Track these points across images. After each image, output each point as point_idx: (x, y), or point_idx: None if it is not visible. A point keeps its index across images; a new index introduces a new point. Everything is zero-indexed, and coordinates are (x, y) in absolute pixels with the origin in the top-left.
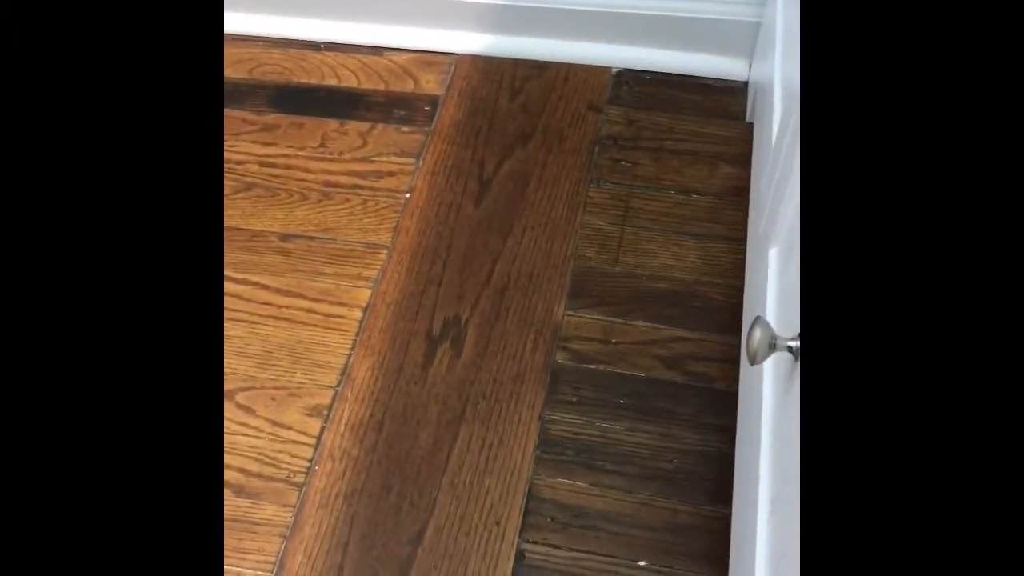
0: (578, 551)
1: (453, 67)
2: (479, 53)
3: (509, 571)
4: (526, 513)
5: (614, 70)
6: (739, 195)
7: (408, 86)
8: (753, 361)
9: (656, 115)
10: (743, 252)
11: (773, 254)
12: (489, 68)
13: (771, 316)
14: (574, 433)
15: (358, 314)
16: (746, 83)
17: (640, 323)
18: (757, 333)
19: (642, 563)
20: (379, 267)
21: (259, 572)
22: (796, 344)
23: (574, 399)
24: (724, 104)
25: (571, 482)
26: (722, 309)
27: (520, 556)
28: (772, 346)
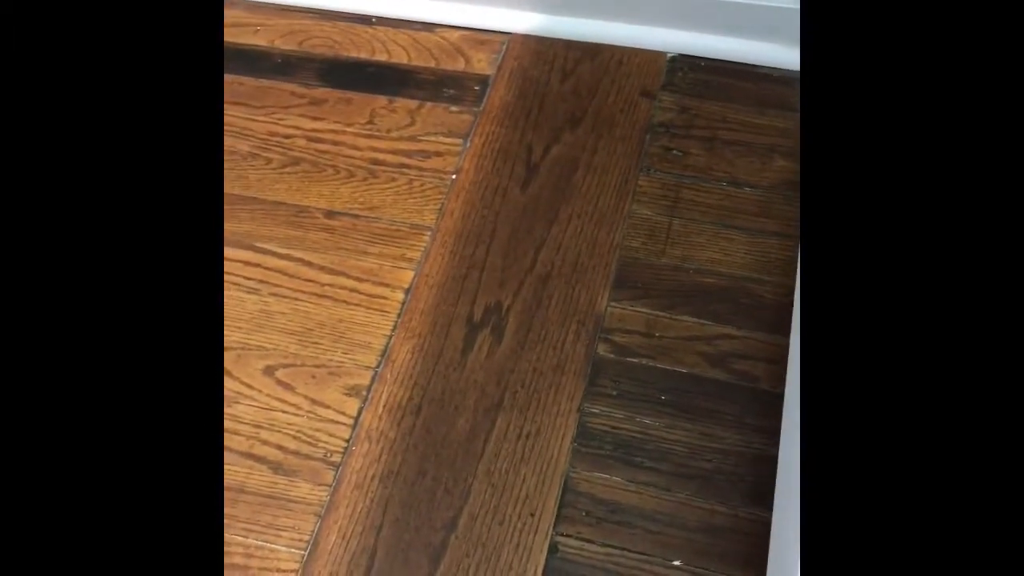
0: (612, 547)
1: (505, 46)
2: (532, 33)
3: (542, 563)
4: (561, 505)
5: (669, 55)
6: (792, 189)
7: (459, 64)
8: None
9: (710, 103)
10: (794, 249)
11: None
12: (541, 49)
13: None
14: (613, 427)
15: (400, 295)
16: None
17: (685, 318)
18: None
19: (676, 563)
20: (423, 248)
21: (293, 550)
22: None
23: (614, 393)
24: (780, 94)
25: (608, 476)
26: (770, 307)
27: (553, 548)
28: None
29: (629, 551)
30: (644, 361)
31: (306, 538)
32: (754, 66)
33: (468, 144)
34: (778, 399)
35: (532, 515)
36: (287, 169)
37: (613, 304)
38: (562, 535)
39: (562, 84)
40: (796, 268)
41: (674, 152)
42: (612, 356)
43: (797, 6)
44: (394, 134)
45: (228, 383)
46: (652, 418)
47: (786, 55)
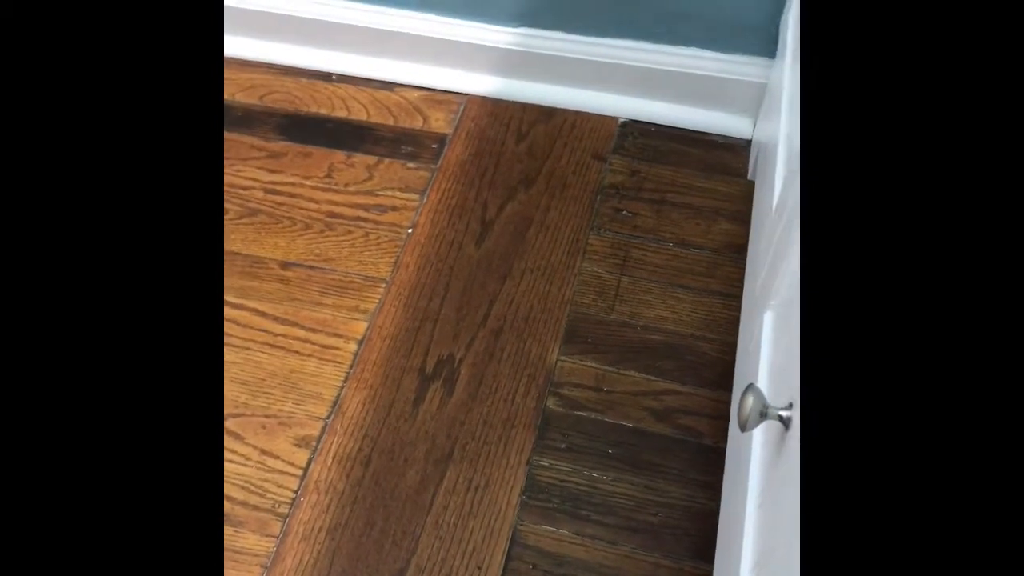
0: None
1: (462, 107)
2: (489, 95)
3: None
4: (508, 559)
5: (620, 120)
6: (737, 252)
7: (417, 123)
8: (744, 428)
9: (659, 167)
10: (738, 309)
11: (768, 318)
12: (498, 110)
13: (763, 382)
14: (561, 480)
15: (353, 346)
16: (749, 141)
17: (632, 373)
18: (749, 400)
19: None
20: (377, 300)
21: None
22: (787, 414)
23: (563, 446)
24: (726, 160)
25: (555, 530)
26: (714, 364)
27: None
28: (763, 414)
29: None
30: (593, 415)
31: None
32: (702, 133)
33: (424, 199)
34: (720, 454)
35: (479, 568)
36: (244, 220)
37: (563, 358)
38: None
39: (517, 145)
40: (739, 326)
41: (624, 213)
42: (562, 409)
43: (746, 78)
44: (352, 188)
45: None
46: (599, 471)
47: (733, 123)
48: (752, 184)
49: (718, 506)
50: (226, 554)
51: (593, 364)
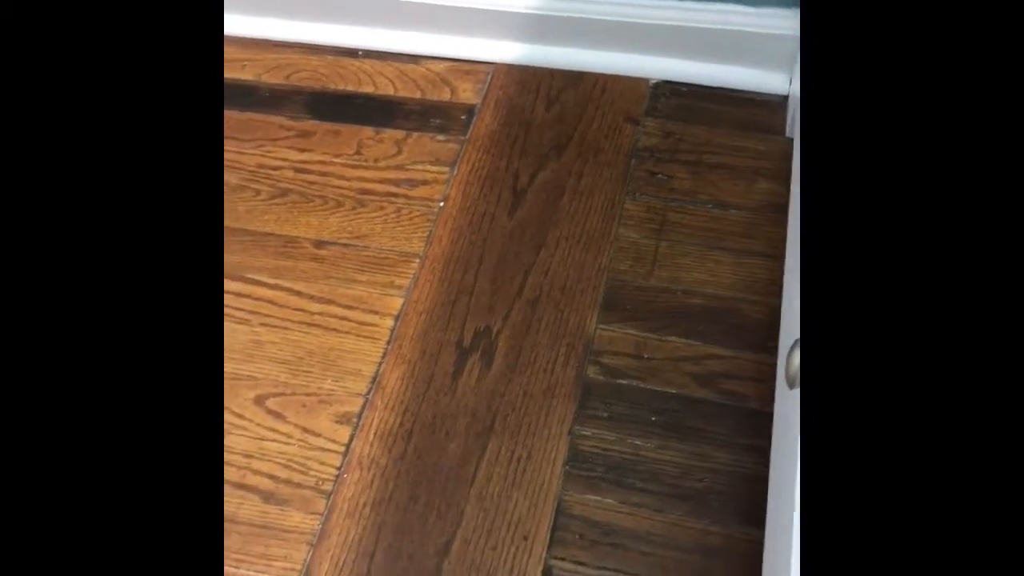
0: (606, 569)
1: (490, 76)
2: (516, 62)
3: None
4: (554, 529)
5: (651, 81)
6: (777, 211)
7: (445, 95)
8: (792, 385)
9: (694, 128)
10: (781, 270)
11: None
12: (525, 77)
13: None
14: (604, 449)
15: (390, 322)
16: (786, 97)
17: (673, 339)
18: (797, 357)
19: None
20: (411, 276)
21: None
22: None
23: (605, 414)
24: (763, 118)
25: (600, 499)
26: (758, 327)
27: (547, 572)
28: None
29: (624, 573)
30: (634, 383)
31: (298, 567)
32: (736, 91)
33: (455, 172)
34: (767, 418)
35: (525, 539)
36: (276, 200)
37: (602, 326)
38: (556, 558)
39: (547, 111)
40: (782, 288)
41: (659, 176)
42: (602, 378)
43: (777, 31)
44: (381, 164)
45: None
46: (643, 439)
47: (767, 79)
48: (791, 141)
49: (766, 470)
50: (271, 532)
51: (633, 331)
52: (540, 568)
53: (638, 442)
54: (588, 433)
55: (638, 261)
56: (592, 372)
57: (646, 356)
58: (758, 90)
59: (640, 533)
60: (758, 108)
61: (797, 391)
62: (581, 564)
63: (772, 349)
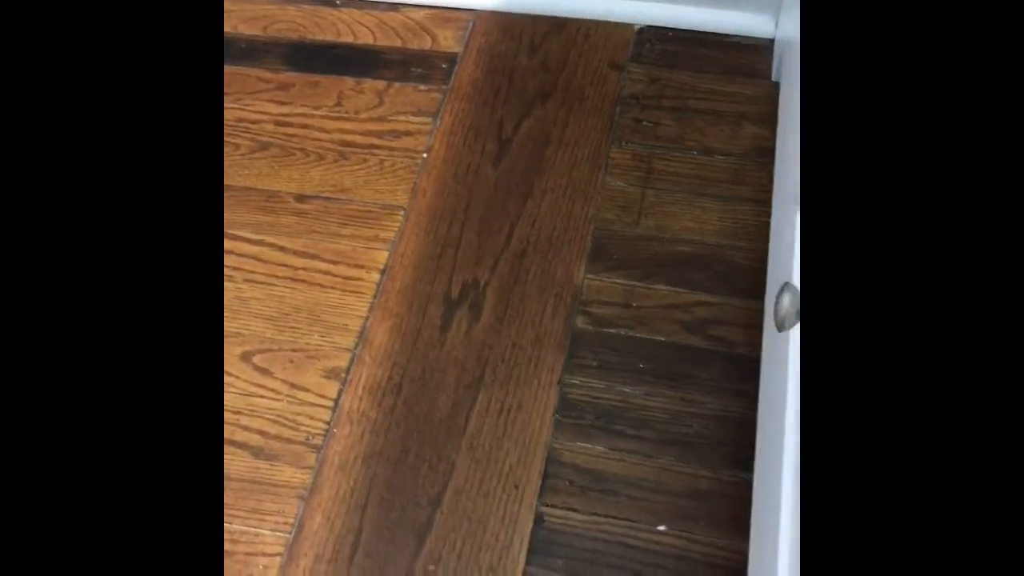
0: (597, 515)
1: (471, 24)
2: (498, 9)
3: (528, 534)
4: (545, 477)
5: (636, 27)
6: (764, 156)
7: (426, 43)
8: (781, 328)
9: (679, 73)
10: (768, 215)
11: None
12: (508, 24)
13: (799, 281)
14: (593, 397)
15: (375, 276)
16: (772, 40)
17: (661, 287)
18: (786, 299)
19: (661, 528)
20: (396, 229)
21: (278, 533)
22: None
23: (594, 363)
24: (749, 62)
25: (590, 446)
26: (745, 273)
27: (539, 519)
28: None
29: (614, 518)
30: (622, 331)
31: (291, 521)
32: (722, 35)
33: (438, 122)
34: (755, 363)
35: (516, 487)
36: (256, 155)
37: (590, 276)
38: (547, 505)
39: (530, 59)
40: (769, 233)
41: (645, 123)
42: (590, 328)
43: None
44: (363, 115)
45: None
46: (632, 387)
47: (753, 23)
48: (777, 85)
49: (755, 415)
50: (263, 487)
51: (620, 280)
52: (532, 515)
53: (627, 389)
54: (577, 382)
55: (625, 210)
56: (580, 322)
57: (634, 305)
58: (744, 34)
59: (630, 479)
60: (744, 52)
61: (786, 334)
62: (572, 510)
63: (760, 295)
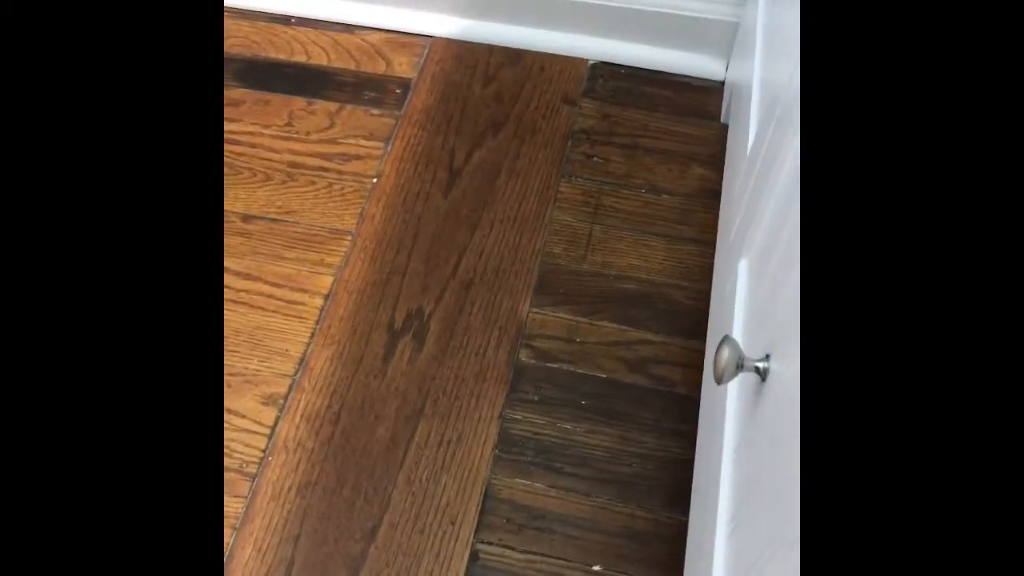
0: (533, 553)
1: (427, 50)
2: (454, 37)
3: (462, 571)
4: (482, 513)
5: (590, 62)
6: (710, 197)
7: (380, 67)
8: (720, 381)
9: (631, 111)
10: (712, 256)
11: (743, 266)
12: (463, 53)
13: (738, 333)
14: (534, 433)
15: (319, 302)
16: (723, 83)
17: (605, 323)
18: (725, 353)
19: (596, 568)
20: (343, 254)
21: None
22: (764, 365)
23: (536, 398)
24: (699, 103)
25: (529, 483)
26: (688, 313)
27: (474, 556)
28: (740, 366)
29: (550, 557)
30: (565, 366)
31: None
32: (674, 75)
33: (389, 148)
34: (694, 403)
35: (453, 523)
36: None
37: (535, 310)
38: (483, 542)
39: (484, 89)
40: (712, 275)
41: (595, 159)
42: (534, 362)
43: (717, 17)
44: (313, 137)
45: None
46: (573, 423)
47: (706, 64)
48: (726, 127)
49: (693, 456)
50: None
51: (565, 315)
52: (467, 552)
53: (568, 426)
54: (518, 417)
55: (572, 244)
56: (524, 356)
57: (578, 340)
58: (696, 75)
59: (568, 517)
60: (695, 92)
61: (724, 384)
62: (508, 548)
63: (701, 335)
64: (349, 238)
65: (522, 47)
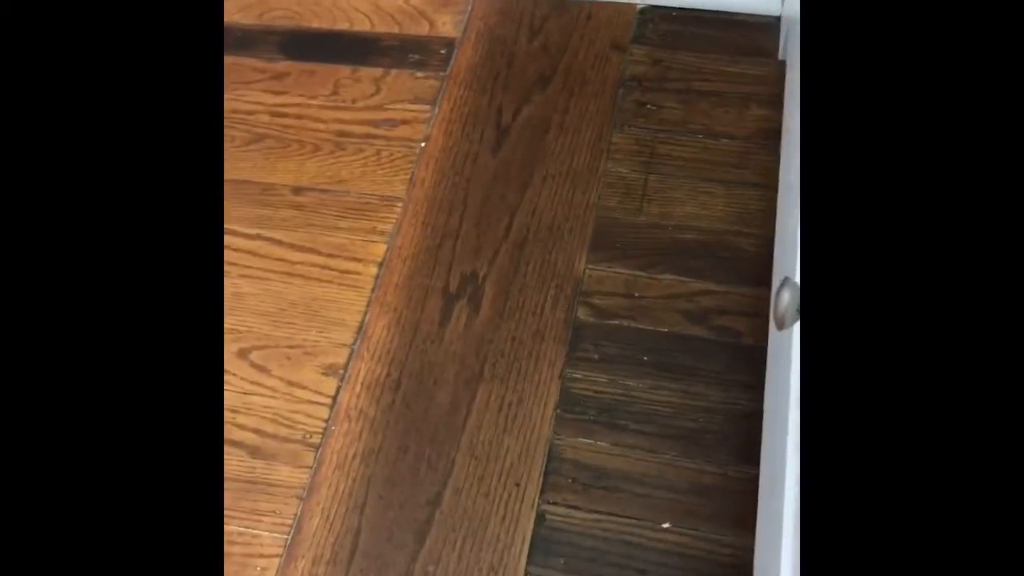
0: (599, 512)
1: (470, 7)
2: None
3: (529, 532)
4: (546, 474)
5: (638, 6)
6: (771, 138)
7: (423, 28)
8: (781, 326)
9: (683, 54)
10: (775, 199)
11: None
12: (507, 7)
13: (799, 276)
14: (596, 392)
15: (373, 270)
16: (778, 18)
17: (665, 276)
18: (786, 296)
19: (665, 525)
20: (394, 220)
21: (275, 534)
22: None
23: (596, 356)
24: (755, 41)
25: (592, 442)
26: (752, 260)
27: (541, 518)
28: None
29: (617, 516)
30: (625, 323)
31: (288, 522)
32: (727, 13)
33: (436, 110)
34: (761, 353)
35: (517, 485)
36: (251, 146)
37: (591, 266)
38: (549, 503)
39: (530, 43)
40: (775, 218)
41: (648, 106)
42: (592, 319)
43: None
44: (359, 104)
45: None
46: (635, 380)
47: (759, 0)
48: (783, 64)
49: (761, 407)
50: (260, 487)
51: (623, 270)
52: (533, 514)
53: (630, 383)
54: (579, 376)
55: (627, 197)
56: (582, 314)
57: (637, 295)
58: (750, 11)
59: (633, 475)
60: (750, 31)
61: (787, 331)
62: (574, 508)
63: (766, 282)
64: (400, 204)
65: None
